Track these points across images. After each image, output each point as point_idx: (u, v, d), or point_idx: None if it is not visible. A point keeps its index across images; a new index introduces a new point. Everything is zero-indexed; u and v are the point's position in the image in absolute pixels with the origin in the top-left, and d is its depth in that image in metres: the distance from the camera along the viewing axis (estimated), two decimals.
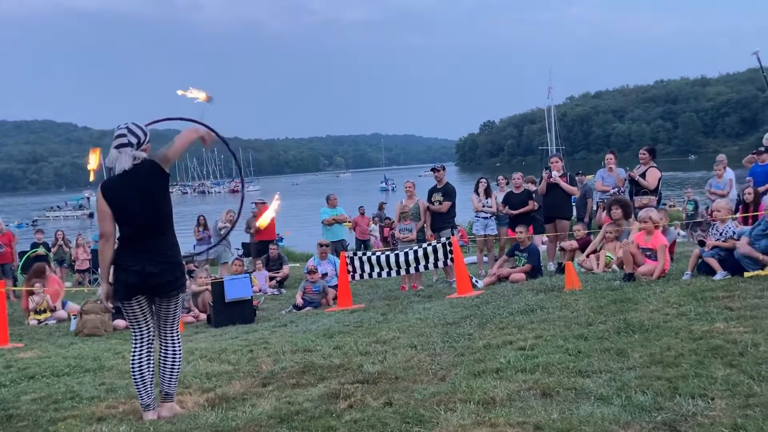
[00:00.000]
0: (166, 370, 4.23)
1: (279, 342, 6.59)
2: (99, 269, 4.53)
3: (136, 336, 4.21)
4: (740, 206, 10.12)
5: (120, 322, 9.46)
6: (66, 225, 31.17)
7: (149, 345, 4.21)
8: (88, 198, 79.23)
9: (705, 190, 13.40)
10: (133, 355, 4.18)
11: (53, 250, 16.94)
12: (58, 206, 76.26)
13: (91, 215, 69.07)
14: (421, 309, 7.73)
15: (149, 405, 4.17)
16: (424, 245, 9.82)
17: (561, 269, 8.97)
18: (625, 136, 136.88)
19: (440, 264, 9.74)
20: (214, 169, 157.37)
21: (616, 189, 10.43)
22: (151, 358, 4.20)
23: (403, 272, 9.97)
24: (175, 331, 4.28)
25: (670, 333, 4.79)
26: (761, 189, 10.43)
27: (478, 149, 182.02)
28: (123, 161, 4.05)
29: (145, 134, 4.17)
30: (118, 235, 4.12)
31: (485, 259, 11.60)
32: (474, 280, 9.51)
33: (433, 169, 11.14)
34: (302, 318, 8.91)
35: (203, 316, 10.06)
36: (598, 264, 9.10)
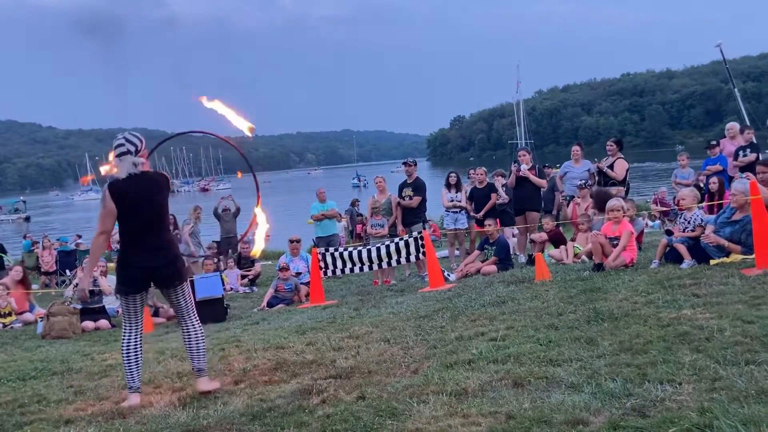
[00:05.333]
0: (193, 348, 4.64)
1: (251, 340, 6.54)
2: (87, 262, 5.02)
3: (130, 327, 4.61)
4: (705, 195, 10.33)
5: (88, 324, 9.31)
6: (1, 229, 29.06)
7: (140, 335, 4.63)
8: (24, 201, 75.52)
9: (671, 180, 13.67)
10: (128, 343, 4.56)
11: None
12: None
13: (27, 219, 65.57)
14: (393, 303, 7.73)
15: (138, 388, 4.56)
16: (396, 240, 9.84)
17: (531, 261, 9.05)
18: (593, 128, 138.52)
19: (412, 258, 9.77)
20: (183, 168, 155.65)
21: (583, 182, 10.43)
22: (141, 347, 4.61)
23: (375, 267, 9.98)
24: (192, 315, 4.69)
25: (638, 321, 4.85)
26: (705, 173, 11.01)
27: (449, 144, 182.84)
28: (124, 167, 4.48)
29: (141, 141, 4.59)
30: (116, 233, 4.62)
31: (456, 252, 11.65)
32: (446, 273, 9.54)
33: (404, 164, 11.14)
34: (274, 315, 8.85)
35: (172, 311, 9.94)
36: (567, 255, 9.19)
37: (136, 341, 4.57)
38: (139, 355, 4.57)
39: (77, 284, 10.04)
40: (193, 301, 4.77)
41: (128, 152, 4.51)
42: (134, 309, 4.60)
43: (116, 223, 4.52)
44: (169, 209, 4.72)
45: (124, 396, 4.65)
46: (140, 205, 4.48)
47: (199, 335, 4.68)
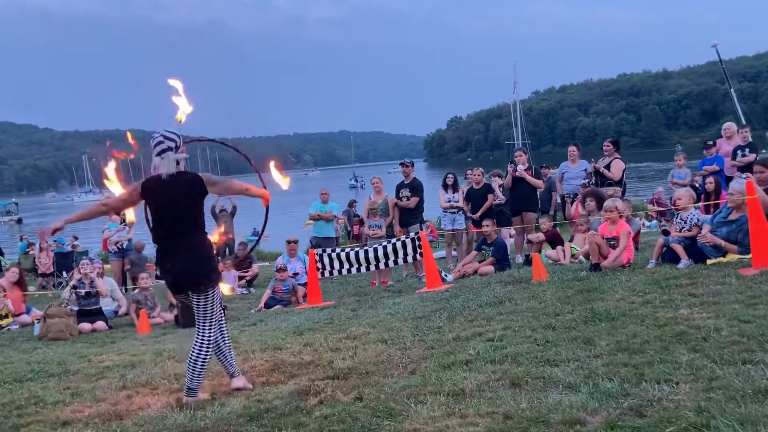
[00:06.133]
0: (190, 364, 4.44)
1: (248, 341, 6.54)
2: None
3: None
4: (702, 195, 10.35)
5: (85, 326, 9.29)
6: None
7: (220, 327, 4.61)
8: (16, 203, 74.02)
9: (668, 180, 13.68)
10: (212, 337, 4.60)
11: None
12: None
13: (19, 221, 63.96)
14: (391, 304, 7.73)
15: (233, 373, 4.67)
16: (393, 240, 9.84)
17: (528, 261, 9.05)
18: (590, 129, 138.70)
19: (409, 259, 9.77)
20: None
21: (586, 180, 10.46)
22: (225, 338, 4.65)
23: (372, 268, 9.98)
24: (206, 328, 4.48)
25: (635, 321, 4.86)
26: (701, 173, 11.08)
27: (446, 145, 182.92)
28: (167, 165, 4.39)
29: (179, 137, 4.49)
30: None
31: (454, 253, 11.65)
32: (443, 273, 9.55)
33: (401, 164, 11.14)
34: (272, 316, 8.85)
35: (170, 316, 9.93)
36: (564, 255, 9.20)
37: (216, 335, 4.55)
38: (221, 344, 4.59)
39: (74, 285, 10.04)
40: (216, 312, 4.53)
41: (169, 149, 4.41)
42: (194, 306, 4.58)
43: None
44: (202, 211, 4.57)
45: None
46: (169, 206, 4.41)
47: (202, 354, 4.45)
